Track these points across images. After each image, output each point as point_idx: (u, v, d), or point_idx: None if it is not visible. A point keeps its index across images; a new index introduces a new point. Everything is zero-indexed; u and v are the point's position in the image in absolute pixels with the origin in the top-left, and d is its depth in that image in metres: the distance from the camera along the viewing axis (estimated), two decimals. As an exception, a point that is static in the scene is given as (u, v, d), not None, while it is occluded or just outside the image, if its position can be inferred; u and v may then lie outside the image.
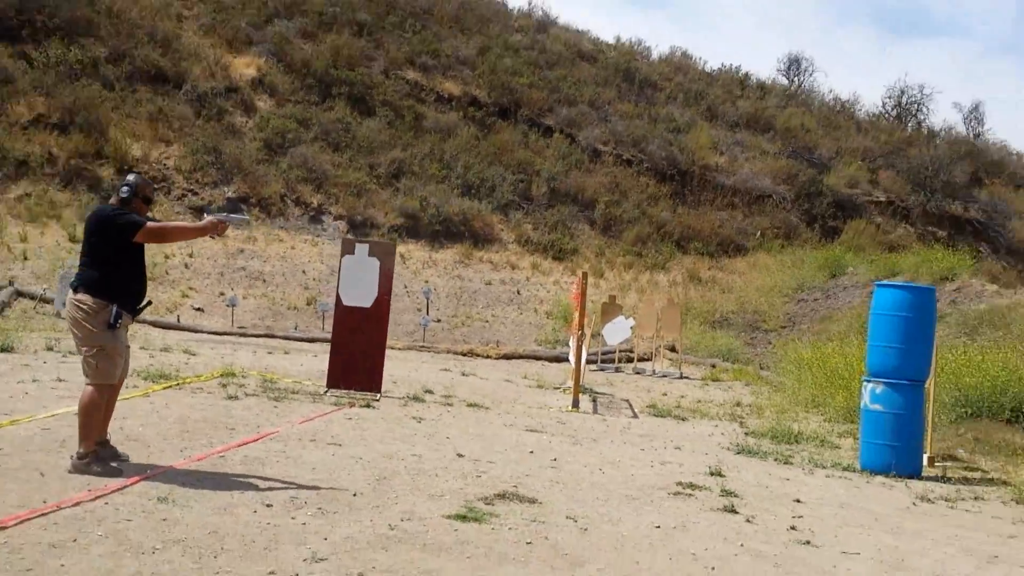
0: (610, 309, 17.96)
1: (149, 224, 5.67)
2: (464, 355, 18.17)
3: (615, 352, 18.12)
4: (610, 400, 13.09)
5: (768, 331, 20.78)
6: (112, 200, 5.85)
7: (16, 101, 24.15)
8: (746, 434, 10.36)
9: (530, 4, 38.15)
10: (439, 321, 20.20)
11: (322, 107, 27.87)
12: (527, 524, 5.11)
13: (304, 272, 21.70)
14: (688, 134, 30.57)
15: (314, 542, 4.41)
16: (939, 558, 5.35)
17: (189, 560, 3.98)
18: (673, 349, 19.15)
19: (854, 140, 33.40)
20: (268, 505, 5.03)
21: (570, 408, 11.51)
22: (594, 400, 12.76)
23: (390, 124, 28.16)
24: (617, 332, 17.43)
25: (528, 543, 4.70)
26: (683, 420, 11.35)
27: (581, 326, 12.17)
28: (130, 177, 5.96)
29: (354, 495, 5.44)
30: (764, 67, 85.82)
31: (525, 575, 4.18)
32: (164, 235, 6.30)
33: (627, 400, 13.21)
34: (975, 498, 7.55)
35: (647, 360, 18.97)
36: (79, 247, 17.29)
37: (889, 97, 37.64)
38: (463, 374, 14.40)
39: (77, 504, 4.68)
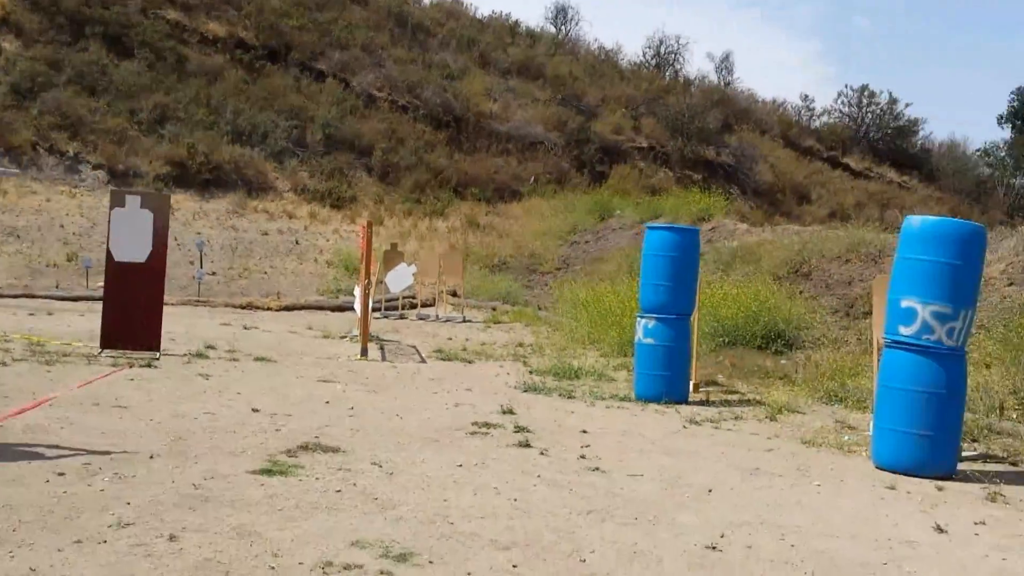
0: (392, 257, 18.02)
1: None
2: (243, 308, 17.72)
3: (398, 299, 18.26)
4: (397, 347, 13.24)
5: (544, 273, 21.56)
6: None
7: None
8: (530, 372, 10.82)
9: (296, -59, 36.79)
10: (214, 274, 19.56)
11: (75, 48, 25.93)
12: (333, 473, 5.20)
13: (62, 226, 20.34)
14: (462, 81, 30.83)
15: (116, 507, 4.31)
16: (711, 473, 5.91)
17: (-16, 536, 3.80)
18: (455, 294, 19.50)
19: (618, 88, 34.85)
20: (60, 474, 4.84)
21: (359, 356, 11.57)
22: (382, 348, 12.86)
23: (151, 67, 26.63)
24: (400, 279, 17.51)
25: (337, 491, 4.80)
26: (470, 363, 11.68)
27: (367, 275, 12.18)
28: None
29: (151, 457, 5.32)
30: (533, 15, 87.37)
31: (337, 522, 4.28)
32: None
33: (414, 346, 13.41)
34: (735, 418, 8.31)
35: (430, 306, 19.24)
36: None
37: (649, 47, 39.50)
38: (245, 328, 14.08)
39: None
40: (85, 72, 25.09)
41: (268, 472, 5.09)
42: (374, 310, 17.34)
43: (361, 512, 4.46)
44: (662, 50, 38.88)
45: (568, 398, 8.94)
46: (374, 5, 34.68)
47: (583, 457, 6.06)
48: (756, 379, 10.62)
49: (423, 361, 11.68)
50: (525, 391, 9.27)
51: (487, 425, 6.96)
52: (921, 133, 40.11)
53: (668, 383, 9.07)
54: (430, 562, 3.81)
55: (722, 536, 4.45)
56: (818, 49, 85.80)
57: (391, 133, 27.70)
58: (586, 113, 31.64)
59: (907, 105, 39.47)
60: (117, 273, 10.42)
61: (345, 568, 3.66)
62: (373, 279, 13.64)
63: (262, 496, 4.64)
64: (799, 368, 10.84)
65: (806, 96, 54.87)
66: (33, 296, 16.49)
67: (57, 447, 5.43)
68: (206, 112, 25.49)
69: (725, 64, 40.57)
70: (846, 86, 38.02)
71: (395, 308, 18.14)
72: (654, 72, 38.19)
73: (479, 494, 4.94)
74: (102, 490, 4.58)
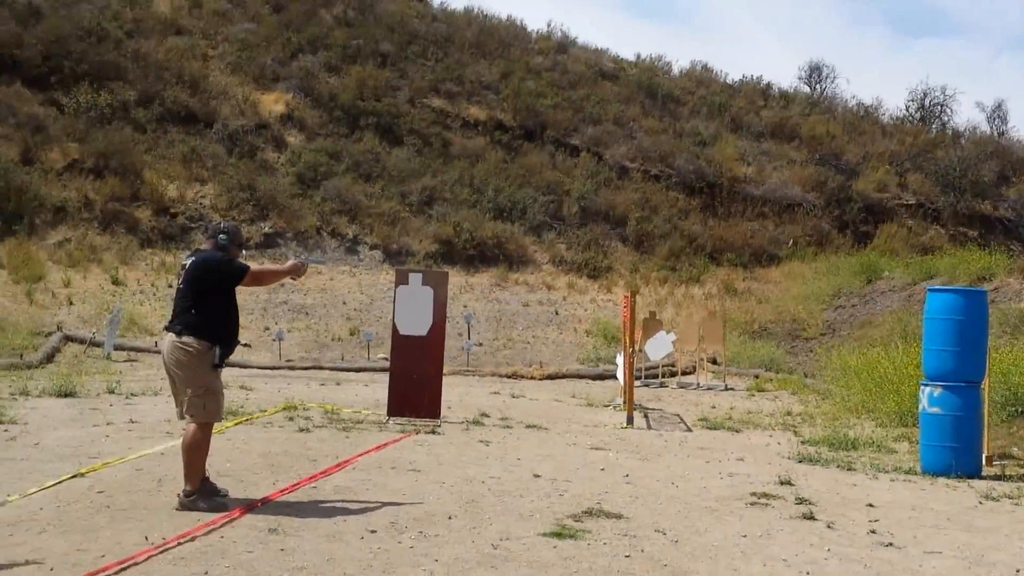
0: (651, 325, 18.12)
1: (252, 269, 6.00)
2: (509, 377, 18.40)
3: (658, 367, 18.29)
4: (661, 415, 13.25)
5: (808, 339, 20.86)
6: (205, 245, 6.15)
7: (49, 148, 24.76)
8: (802, 443, 10.49)
9: (549, 26, 38.55)
10: (480, 345, 20.45)
11: (351, 139, 28.33)
12: (619, 538, 5.32)
13: (344, 303, 22.05)
14: (714, 147, 30.76)
15: (426, 563, 4.64)
16: (1015, 552, 5.51)
17: (317, 585, 4.22)
18: (715, 361, 19.28)
19: (880, 144, 33.46)
20: (372, 531, 5.27)
21: (625, 425, 11.69)
22: (646, 416, 12.92)
23: (419, 152, 28.57)
24: (660, 347, 17.57)
25: (627, 556, 4.91)
26: (737, 432, 11.48)
27: (632, 343, 12.35)
28: (224, 224, 6.31)
29: (449, 518, 5.67)
30: (785, 76, 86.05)
31: (631, 586, 4.39)
32: (262, 278, 6.63)
33: (677, 414, 13.37)
34: (1038, 494, 7.67)
35: (690, 374, 19.11)
36: (119, 289, 17.44)
37: (912, 100, 37.71)
38: (513, 396, 14.61)
39: (194, 539, 4.94)
40: (361, 160, 27.30)
41: (558, 535, 5.29)
42: (635, 379, 17.52)
43: (653, 578, 4.55)
44: (926, 103, 37.03)
45: (848, 470, 8.60)
46: (624, 80, 35.49)
47: (873, 532, 5.83)
48: (1058, 452, 9.76)
49: (689, 430, 11.61)
50: (800, 462, 9.00)
51: (766, 496, 6.85)
52: None
53: (957, 455, 8.52)
54: (730, 631, 3.83)
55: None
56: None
57: (644, 202, 28.02)
58: (846, 172, 30.60)
59: None
60: (401, 346, 11.18)
61: (646, 632, 3.76)
62: (636, 348, 13.75)
63: (556, 558, 4.83)
64: (1110, 440, 9.85)
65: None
66: (321, 368, 17.96)
67: (365, 506, 5.91)
68: (469, 192, 26.94)
69: (998, 113, 38.05)
70: None
71: (655, 376, 18.17)
72: (919, 126, 36.37)
73: (768, 566, 4.89)
74: (411, 547, 4.95)
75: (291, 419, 10.15)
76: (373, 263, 24.40)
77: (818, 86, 38.67)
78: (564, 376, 18.72)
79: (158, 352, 17.40)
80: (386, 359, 18.93)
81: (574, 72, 34.71)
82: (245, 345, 19.35)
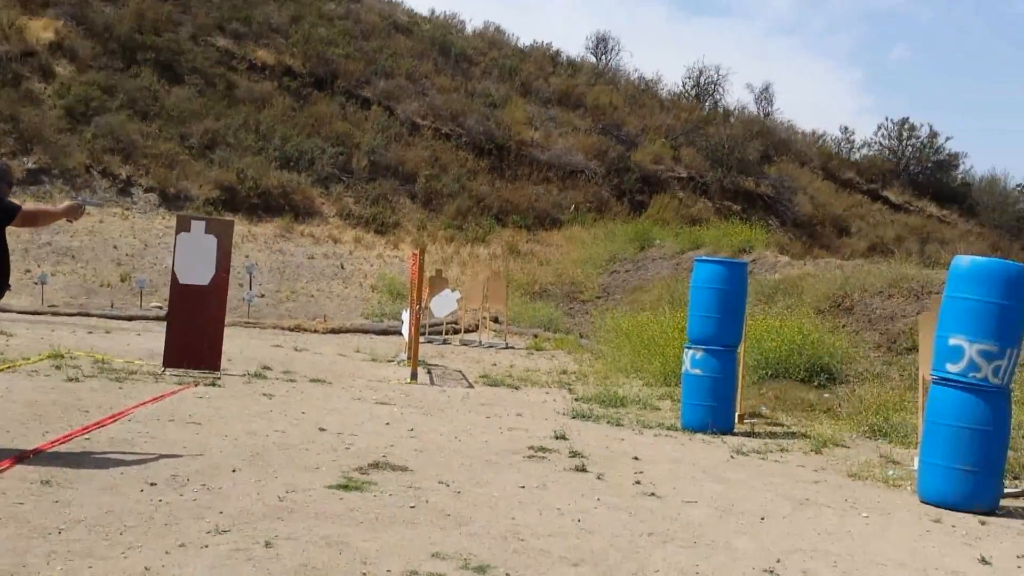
0: (437, 282, 18.36)
1: (24, 208, 5.66)
2: (291, 330, 18.13)
3: (443, 325, 18.59)
4: (444, 371, 13.53)
5: (585, 301, 21.82)
6: None
7: None
8: (576, 400, 11.06)
9: (343, -27, 37.64)
10: (263, 296, 20.01)
11: (127, 74, 26.71)
12: (404, 490, 5.49)
13: (116, 247, 20.91)
14: (504, 109, 31.29)
15: (210, 516, 4.62)
16: (762, 502, 6.13)
17: (97, 538, 4.12)
18: (496, 320, 19.82)
19: (658, 118, 35.17)
20: (152, 484, 5.17)
21: (409, 380, 11.87)
22: (429, 372, 13.16)
23: (201, 92, 27.35)
24: (444, 305, 17.85)
25: (412, 507, 5.08)
26: (516, 389, 11.94)
27: (419, 300, 12.51)
28: None
29: (233, 471, 5.64)
30: (574, 45, 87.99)
31: (416, 535, 4.56)
32: (36, 219, 6.26)
33: (460, 371, 13.70)
34: (781, 450, 8.49)
35: (473, 331, 19.56)
36: None
37: (689, 77, 39.84)
38: (296, 349, 14.46)
39: (-43, 491, 4.67)
40: (137, 97, 25.82)
41: (345, 487, 5.39)
42: (420, 335, 17.75)
43: (437, 527, 4.74)
44: (702, 80, 39.24)
45: (616, 425, 9.17)
46: (418, 35, 35.35)
47: (638, 483, 6.30)
48: (799, 412, 10.80)
49: (471, 386, 11.95)
50: (574, 417, 9.51)
51: (543, 449, 7.22)
52: (961, 167, 40.09)
53: (714, 413, 9.29)
54: (507, 574, 4.08)
55: (778, 561, 4.68)
56: (858, 78, 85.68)
57: (434, 160, 28.18)
58: (626, 143, 31.98)
59: (948, 139, 39.53)
60: (181, 295, 10.84)
61: (429, 577, 3.95)
62: (423, 305, 13.94)
63: (343, 509, 4.93)
64: (842, 403, 11.01)
65: (846, 128, 54.62)
66: (89, 315, 17.00)
67: (143, 458, 5.77)
68: (255, 138, 26.11)
69: (765, 95, 40.86)
70: (886, 119, 38.10)
71: (439, 333, 18.47)
72: (694, 102, 38.50)
73: (544, 514, 5.20)
74: (195, 499, 4.90)
75: (58, 368, 9.63)
76: (148, 206, 23.24)
77: (604, 57, 40.11)
78: (348, 331, 18.66)
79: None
80: (160, 307, 18.21)
81: (367, 23, 34.21)
82: (8, 288, 18.02)
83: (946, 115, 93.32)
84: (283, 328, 18.09)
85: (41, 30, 26.59)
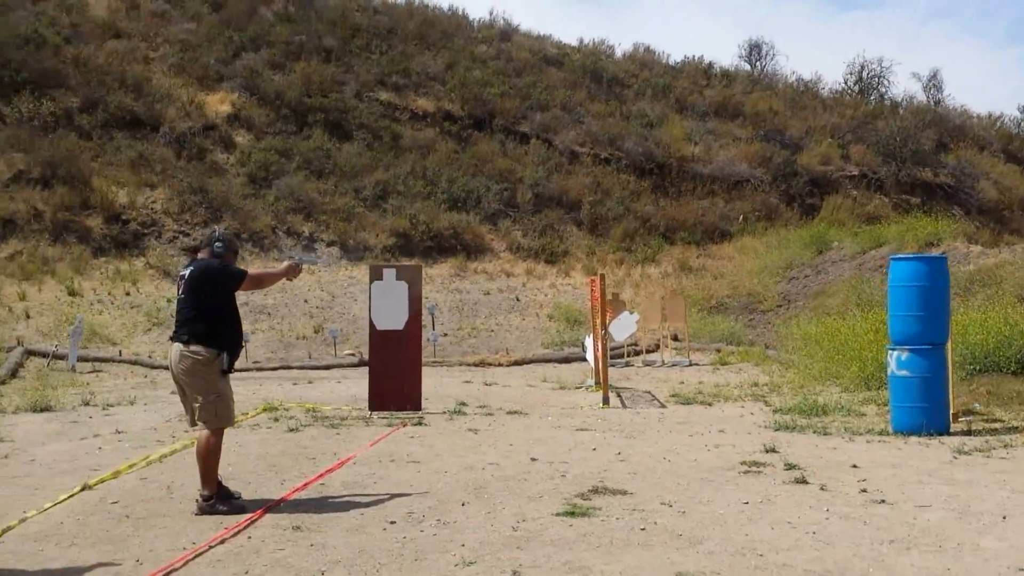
0: (615, 306, 18.40)
1: (251, 273, 6.11)
2: (476, 365, 18.60)
3: (623, 348, 18.61)
4: (632, 393, 13.55)
5: (765, 311, 21.35)
6: (202, 254, 6.23)
7: (-6, 160, 24.30)
8: (775, 412, 10.86)
9: (491, 14, 38.73)
10: (446, 335, 20.60)
11: (300, 136, 28.19)
12: (629, 513, 5.56)
13: (306, 301, 22.03)
14: (661, 128, 31.17)
15: (453, 548, 4.83)
16: (998, 501, 5.85)
17: None
18: (675, 338, 19.68)
19: (821, 118, 34.16)
20: (392, 522, 5.45)
21: (602, 405, 11.96)
22: (619, 395, 13.20)
23: (369, 147, 28.54)
24: (623, 327, 17.78)
25: (642, 529, 5.15)
26: (709, 405, 11.82)
27: (604, 325, 12.60)
28: (218, 232, 6.37)
29: (463, 504, 5.87)
30: (725, 55, 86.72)
31: (654, 556, 4.63)
32: (262, 281, 6.67)
33: (649, 392, 13.68)
34: (1005, 447, 8.07)
35: (653, 352, 19.49)
36: (75, 300, 17.73)
37: (850, 73, 38.52)
38: (486, 384, 14.81)
39: (223, 542, 5.06)
40: (311, 157, 27.19)
41: (571, 514, 5.51)
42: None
43: (673, 547, 4.79)
44: (864, 75, 37.82)
45: (824, 435, 8.95)
46: (569, 65, 35.73)
47: (864, 491, 6.14)
48: (1016, 406, 10.23)
49: (663, 406, 11.92)
50: (777, 430, 9.34)
51: (756, 464, 7.14)
52: None
53: (927, 414, 8.93)
54: (755, 590, 4.08)
55: (1034, 561, 4.48)
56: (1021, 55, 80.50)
57: (596, 186, 28.33)
58: (790, 147, 31.21)
59: None
60: (379, 341, 11.32)
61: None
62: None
63: (575, 535, 5.05)
64: (1065, 392, 10.35)
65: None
66: (289, 367, 17.98)
67: (376, 498, 6.07)
68: (423, 184, 27.00)
69: (933, 82, 39.04)
70: (1070, 89, 35.63)
71: (620, 356, 18.49)
72: (858, 99, 37.16)
73: (776, 528, 5.16)
74: (435, 534, 5.13)
75: (276, 420, 10.24)
76: (331, 259, 24.37)
77: (758, 63, 39.36)
78: (530, 361, 18.97)
79: (123, 361, 17.40)
80: (352, 354, 19.06)
81: (518, 60, 34.85)
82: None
83: None
84: (468, 364, 18.57)
85: (219, 103, 28.47)
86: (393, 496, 6.14)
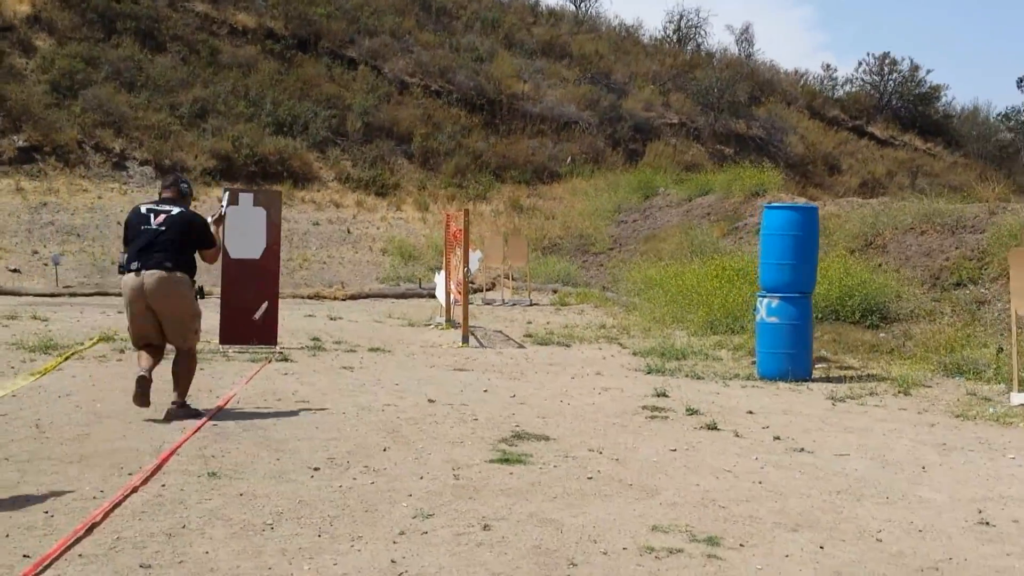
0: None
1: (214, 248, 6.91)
2: (310, 298, 17.92)
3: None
4: (485, 332, 13.40)
5: (597, 253, 21.71)
6: (168, 193, 6.77)
7: None
8: (633, 354, 11.00)
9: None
10: (275, 265, 19.68)
11: (108, 44, 25.98)
12: (564, 460, 5.38)
13: (118, 223, 20.40)
14: (491, 63, 30.85)
15: (401, 499, 4.49)
16: (905, 450, 6.06)
17: (312, 532, 3.98)
18: (511, 277, 19.67)
19: (643, 65, 34.86)
20: (316, 468, 5.03)
21: (461, 344, 11.74)
22: (471, 334, 13.01)
23: (184, 60, 26.71)
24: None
25: (589, 478, 4.98)
26: (568, 347, 11.83)
27: (466, 262, 12.31)
28: (181, 176, 7.27)
29: (384, 450, 5.51)
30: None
31: (619, 508, 4.46)
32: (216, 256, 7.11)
33: (500, 331, 13.57)
34: (870, 394, 8.46)
35: (491, 290, 19.44)
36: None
37: (669, 21, 39.46)
38: (331, 318, 14.27)
39: (136, 490, 4.49)
40: (121, 68, 25.15)
41: (506, 461, 5.27)
42: (432, 296, 17.58)
43: (632, 498, 4.64)
44: (682, 24, 38.87)
45: (696, 379, 9.11)
46: (397, -10, 34.66)
47: (777, 438, 6.23)
48: (862, 353, 10.80)
49: (521, 347, 11.83)
50: (648, 373, 9.42)
51: (656, 409, 7.14)
52: (943, 99, 40.16)
53: (793, 361, 9.24)
54: (741, 545, 4.00)
55: (980, 511, 4.63)
56: (809, 15, 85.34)
57: (428, 119, 27.78)
58: (616, 91, 31.70)
59: (928, 72, 39.53)
60: (233, 270, 10.57)
61: (669, 552, 3.85)
62: (476, 268, 13.73)
63: (524, 484, 4.82)
64: (904, 341, 11.03)
65: (828, 65, 54.38)
66: (107, 294, 16.64)
67: (287, 442, 5.61)
68: (245, 104, 25.57)
69: (745, 36, 40.56)
70: (868, 54, 37.94)
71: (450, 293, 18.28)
72: (677, 47, 38.17)
73: (721, 478, 5.12)
74: (372, 483, 4.77)
75: (122, 351, 9.40)
76: (144, 180, 22.73)
77: (583, 4, 39.55)
78: (367, 296, 18.48)
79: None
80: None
81: (345, -20, 33.41)
82: (14, 271, 17.63)
83: (920, 48, 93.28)
84: (302, 297, 17.86)
85: (16, 3, 25.74)
86: (300, 439, 5.69)
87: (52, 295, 16.06)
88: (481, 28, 33.73)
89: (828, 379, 9.33)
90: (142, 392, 6.14)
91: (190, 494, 4.47)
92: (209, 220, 6.91)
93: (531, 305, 17.45)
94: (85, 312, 13.88)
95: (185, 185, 6.92)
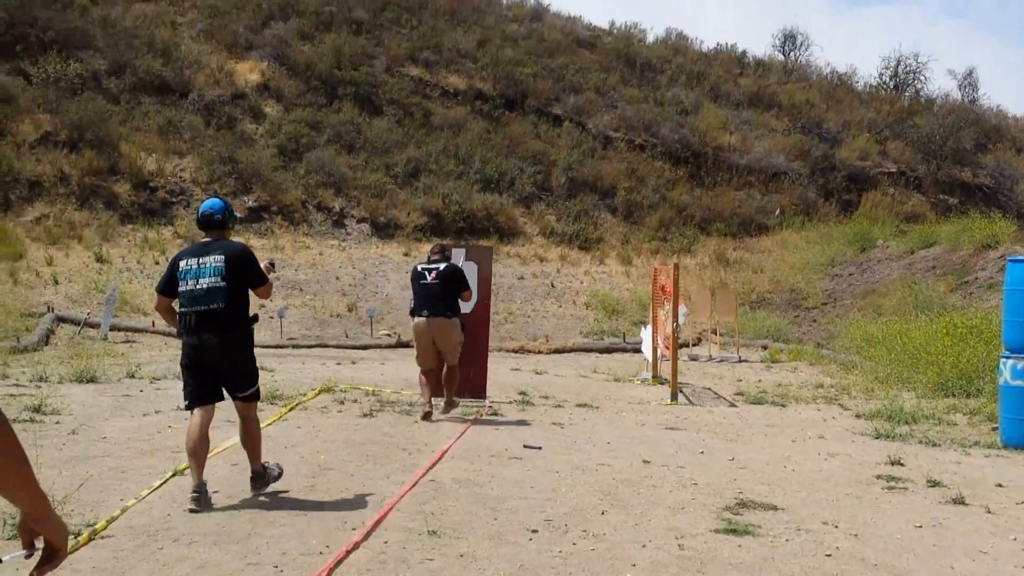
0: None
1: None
2: (515, 352, 18.07)
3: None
4: (693, 389, 13.01)
5: (810, 308, 20.81)
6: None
7: (20, 120, 23.71)
8: (857, 416, 10.32)
9: (521, -8, 37.94)
10: (482, 319, 20.03)
11: (330, 109, 27.59)
12: (796, 533, 5.01)
13: (338, 278, 21.47)
14: (696, 115, 30.54)
15: (624, 569, 4.28)
16: None
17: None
18: (716, 333, 19.10)
19: (858, 112, 33.53)
20: (534, 531, 4.90)
21: (670, 401, 11.43)
22: (680, 391, 12.65)
23: (399, 122, 27.96)
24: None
25: (827, 555, 4.60)
26: (783, 407, 11.28)
27: (675, 317, 12.03)
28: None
29: (602, 513, 5.32)
30: (758, 45, 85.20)
31: (861, 589, 4.09)
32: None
33: (709, 388, 13.14)
34: None
35: (696, 346, 18.96)
36: (103, 267, 17.50)
37: (886, 68, 37.83)
38: (537, 373, 14.27)
39: (357, 546, 4.51)
40: (342, 131, 26.58)
41: (733, 532, 4.96)
42: (637, 351, 17.30)
43: (878, 579, 4.24)
44: (900, 70, 37.14)
45: (932, 446, 8.40)
46: (601, 48, 35.08)
47: (1037, 516, 5.60)
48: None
49: (733, 405, 11.38)
50: (877, 438, 8.79)
51: (892, 479, 6.59)
52: None
53: (1042, 428, 8.38)
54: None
55: None
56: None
57: (631, 172, 27.74)
58: (828, 140, 30.58)
59: None
60: (446, 324, 10.75)
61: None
62: (683, 322, 13.44)
63: (755, 559, 4.50)
64: None
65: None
66: (326, 346, 17.44)
67: (503, 501, 5.53)
68: (455, 163, 26.40)
69: (969, 80, 38.32)
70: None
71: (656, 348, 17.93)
72: (894, 94, 36.50)
73: (977, 561, 4.61)
74: (592, 550, 4.58)
75: (341, 403, 9.71)
76: (361, 236, 23.82)
77: (792, 53, 38.62)
78: (571, 350, 18.45)
79: (156, 332, 16.78)
80: (389, 335, 18.52)
81: (551, 40, 34.19)
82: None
83: None
84: (507, 350, 18.02)
85: (248, 72, 27.82)
86: (517, 498, 5.59)
87: (277, 346, 16.94)
88: (686, 81, 33.53)
89: (1082, 449, 8.37)
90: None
91: (412, 552, 4.43)
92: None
93: (740, 361, 16.86)
94: (307, 363, 14.52)
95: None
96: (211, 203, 5.83)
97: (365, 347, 17.36)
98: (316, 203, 24.33)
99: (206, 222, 5.75)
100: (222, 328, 5.51)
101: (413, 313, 9.00)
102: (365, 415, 8.80)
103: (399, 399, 10.29)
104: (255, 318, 5.83)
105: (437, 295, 8.80)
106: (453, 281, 8.95)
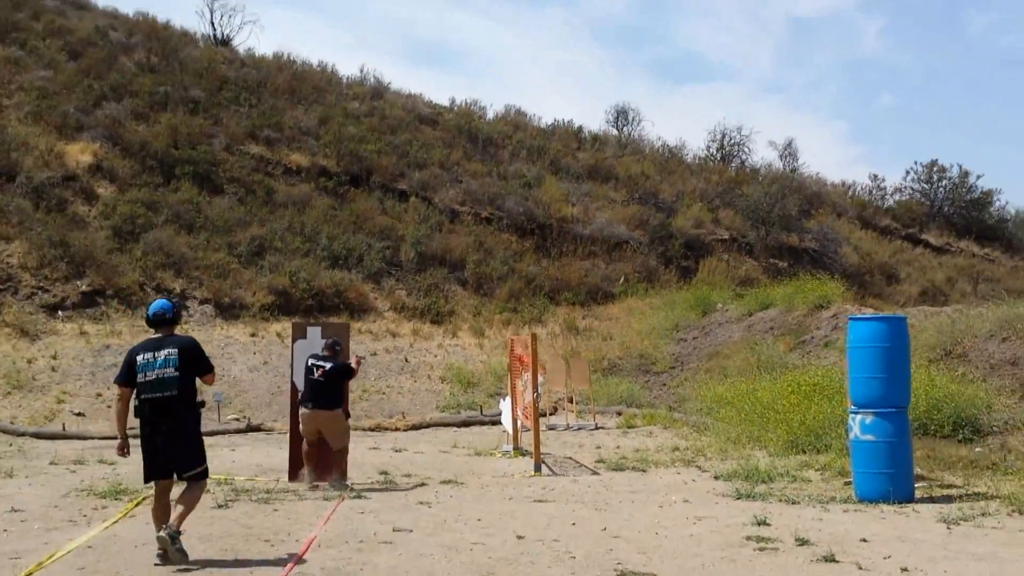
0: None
1: None
2: (372, 430, 17.61)
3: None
4: (555, 459, 12.98)
5: (659, 372, 21.26)
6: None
7: None
8: (715, 478, 10.52)
9: (362, 71, 38.08)
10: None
11: (168, 188, 26.61)
12: (680, 601, 4.97)
13: (179, 362, 20.49)
14: (539, 188, 31.17)
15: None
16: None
17: None
18: (571, 400, 19.23)
19: (689, 183, 35.04)
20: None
21: (533, 473, 11.35)
22: (543, 462, 12.60)
23: (241, 201, 27.25)
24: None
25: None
26: (644, 471, 11.39)
27: (535, 387, 12.02)
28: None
29: (485, 597, 5.14)
30: (594, 120, 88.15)
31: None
32: None
33: (570, 457, 13.15)
34: (983, 514, 7.89)
35: (553, 414, 19.02)
36: None
37: (712, 140, 39.84)
38: (396, 451, 13.95)
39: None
40: (181, 211, 25.66)
41: (620, 605, 4.88)
42: (495, 423, 17.24)
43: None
44: (725, 142, 39.21)
45: (791, 503, 8.62)
46: (444, 124, 35.49)
47: (905, 570, 5.75)
48: (960, 470, 10.22)
49: (596, 473, 11.42)
50: (738, 498, 8.96)
51: (763, 539, 6.68)
52: (996, 204, 39.68)
53: (893, 481, 8.71)
54: None
55: None
56: (844, 129, 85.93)
57: (479, 245, 27.91)
58: (664, 210, 31.76)
59: (979, 177, 39.10)
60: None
61: None
62: (541, 392, 13.43)
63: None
64: (1004, 455, 10.43)
65: (875, 176, 54.42)
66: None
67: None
68: (301, 240, 25.91)
69: (788, 151, 40.78)
70: (915, 162, 37.97)
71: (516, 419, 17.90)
72: (721, 165, 38.43)
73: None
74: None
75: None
76: (205, 318, 22.91)
77: (625, 128, 40.20)
78: (429, 425, 18.14)
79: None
80: (238, 419, 17.78)
81: (392, 117, 34.35)
82: (78, 414, 17.65)
83: (959, 154, 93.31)
84: (364, 429, 17.56)
85: (79, 153, 26.60)
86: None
87: (115, 437, 15.92)
88: (527, 156, 34.26)
89: (932, 499, 8.77)
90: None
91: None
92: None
93: (597, 428, 17.00)
94: (150, 454, 13.69)
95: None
96: (160, 303, 6.93)
97: (212, 433, 16.52)
98: (155, 285, 23.27)
99: (158, 320, 6.82)
100: (174, 412, 6.49)
101: (300, 402, 10.07)
102: (220, 506, 8.32)
103: (254, 486, 9.80)
104: (203, 403, 6.74)
105: (321, 390, 9.84)
106: (339, 378, 10.06)
